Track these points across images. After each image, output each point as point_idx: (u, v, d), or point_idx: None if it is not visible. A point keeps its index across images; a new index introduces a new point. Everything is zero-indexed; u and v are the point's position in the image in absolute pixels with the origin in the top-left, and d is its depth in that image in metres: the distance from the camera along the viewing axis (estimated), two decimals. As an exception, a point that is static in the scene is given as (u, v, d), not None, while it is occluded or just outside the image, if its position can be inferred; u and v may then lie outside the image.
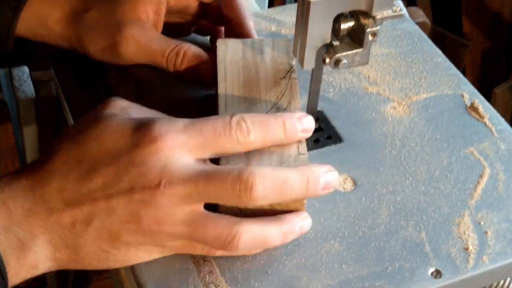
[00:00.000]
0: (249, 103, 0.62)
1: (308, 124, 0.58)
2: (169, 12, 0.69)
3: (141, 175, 0.52)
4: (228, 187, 0.52)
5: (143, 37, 0.66)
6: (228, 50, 0.67)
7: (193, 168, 0.53)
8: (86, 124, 0.56)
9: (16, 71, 0.86)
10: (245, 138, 0.54)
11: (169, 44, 0.67)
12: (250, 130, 0.55)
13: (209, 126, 0.54)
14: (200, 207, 0.54)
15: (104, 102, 0.57)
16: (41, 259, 0.53)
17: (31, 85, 0.86)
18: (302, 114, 0.58)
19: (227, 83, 0.63)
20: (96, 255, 0.54)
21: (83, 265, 0.55)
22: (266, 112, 0.60)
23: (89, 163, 0.53)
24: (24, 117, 0.89)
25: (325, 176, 0.55)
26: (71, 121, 0.71)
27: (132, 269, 0.57)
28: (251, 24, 0.69)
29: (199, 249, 0.56)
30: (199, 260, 0.57)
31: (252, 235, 0.54)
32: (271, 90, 0.63)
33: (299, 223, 0.57)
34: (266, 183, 0.52)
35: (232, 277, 0.56)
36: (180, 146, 0.53)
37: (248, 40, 0.68)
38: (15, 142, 1.13)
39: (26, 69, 0.86)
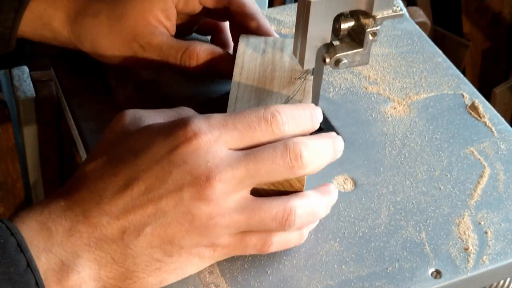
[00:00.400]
0: (259, 99, 0.62)
1: (321, 115, 0.58)
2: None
3: (185, 173, 0.51)
4: (280, 161, 0.53)
5: (156, 43, 0.67)
6: (249, 46, 0.67)
7: (236, 155, 0.53)
8: (112, 140, 0.55)
9: (16, 71, 0.86)
10: (280, 129, 0.54)
11: (181, 46, 0.67)
12: (285, 122, 0.54)
13: (242, 120, 0.54)
14: (249, 193, 0.54)
15: (118, 116, 0.57)
16: (84, 279, 0.51)
17: (31, 85, 0.86)
18: (315, 106, 0.59)
19: (242, 77, 0.64)
20: (147, 266, 0.52)
21: (132, 280, 0.52)
22: None
23: (126, 174, 0.52)
24: (24, 117, 0.89)
25: (338, 139, 0.58)
26: (71, 121, 0.71)
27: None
28: (268, 24, 0.69)
29: (251, 246, 0.55)
30: (199, 260, 0.57)
31: (305, 208, 0.55)
32: (283, 89, 0.63)
33: (335, 195, 0.58)
34: (309, 149, 0.54)
35: (232, 277, 0.56)
36: (215, 140, 0.52)
37: (271, 38, 0.68)
38: (15, 142, 1.13)
39: (26, 69, 0.86)
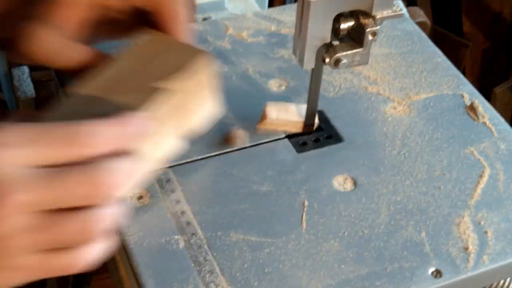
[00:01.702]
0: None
1: (142, 131, 0.52)
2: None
3: None
4: (83, 187, 0.48)
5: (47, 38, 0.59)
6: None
7: (33, 174, 0.47)
8: None
9: (16, 71, 0.86)
10: (85, 152, 0.49)
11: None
12: (93, 145, 0.49)
13: (45, 136, 0.48)
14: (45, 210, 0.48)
15: None
16: None
17: (31, 85, 0.85)
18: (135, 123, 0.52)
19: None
20: None
21: None
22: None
23: None
24: (24, 117, 0.88)
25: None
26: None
27: (133, 268, 0.57)
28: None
29: (57, 269, 0.49)
30: (199, 260, 0.57)
31: (106, 216, 0.49)
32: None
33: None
34: (119, 175, 0.49)
35: (232, 277, 0.56)
36: (11, 155, 0.46)
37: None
38: (15, 142, 1.13)
39: (26, 69, 0.86)
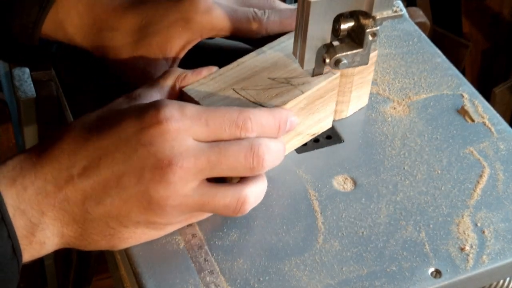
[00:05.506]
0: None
1: (292, 125, 0.60)
2: None
3: (150, 155, 0.53)
4: (242, 160, 0.55)
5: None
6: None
7: (201, 146, 0.54)
8: (102, 112, 0.57)
9: (16, 71, 0.86)
10: (246, 135, 0.56)
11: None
12: (253, 130, 0.56)
13: (216, 118, 0.55)
14: (205, 180, 0.56)
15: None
16: (48, 235, 0.54)
17: (32, 85, 0.86)
18: (289, 115, 0.59)
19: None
20: (102, 231, 0.55)
21: (88, 241, 0.55)
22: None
23: (96, 143, 0.54)
24: (25, 117, 0.89)
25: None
26: (71, 121, 0.71)
27: (133, 268, 0.57)
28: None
29: (206, 215, 0.59)
30: (199, 260, 0.57)
31: (255, 194, 0.58)
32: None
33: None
34: (271, 152, 0.56)
35: (232, 277, 0.56)
36: (185, 130, 0.54)
37: None
38: (16, 142, 1.13)
39: (26, 69, 0.86)
